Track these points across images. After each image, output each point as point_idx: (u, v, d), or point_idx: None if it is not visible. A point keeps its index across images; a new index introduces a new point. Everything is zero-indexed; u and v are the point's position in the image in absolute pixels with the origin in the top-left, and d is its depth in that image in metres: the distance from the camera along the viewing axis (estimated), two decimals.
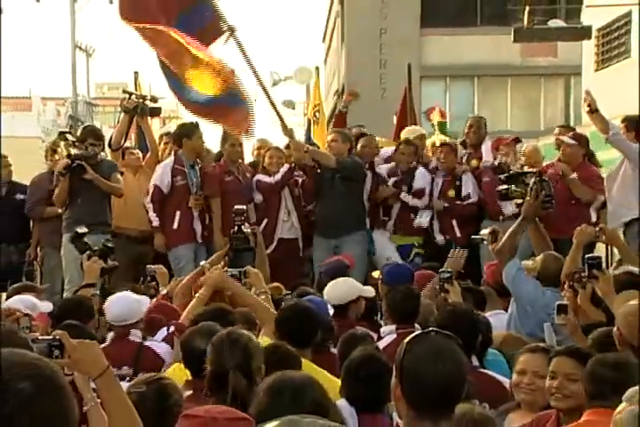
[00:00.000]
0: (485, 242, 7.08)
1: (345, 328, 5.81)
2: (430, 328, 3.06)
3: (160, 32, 8.52)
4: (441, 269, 6.94)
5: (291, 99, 35.91)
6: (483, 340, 5.12)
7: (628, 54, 20.16)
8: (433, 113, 11.94)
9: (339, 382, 4.57)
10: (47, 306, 6.64)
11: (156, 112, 10.25)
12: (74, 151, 9.11)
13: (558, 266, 6.56)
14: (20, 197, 10.04)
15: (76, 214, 9.04)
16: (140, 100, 9.87)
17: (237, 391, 4.02)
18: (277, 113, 9.43)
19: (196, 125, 9.61)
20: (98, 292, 7.19)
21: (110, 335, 5.99)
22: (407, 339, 2.93)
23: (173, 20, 8.66)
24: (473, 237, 7.82)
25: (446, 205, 9.73)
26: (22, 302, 6.38)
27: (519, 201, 7.48)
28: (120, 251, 9.39)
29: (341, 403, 4.27)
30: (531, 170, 7.50)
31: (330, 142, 9.72)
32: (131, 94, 10.12)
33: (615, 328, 4.75)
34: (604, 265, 6.46)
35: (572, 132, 9.89)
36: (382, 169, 9.92)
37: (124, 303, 6.00)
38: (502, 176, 8.06)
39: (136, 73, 12.13)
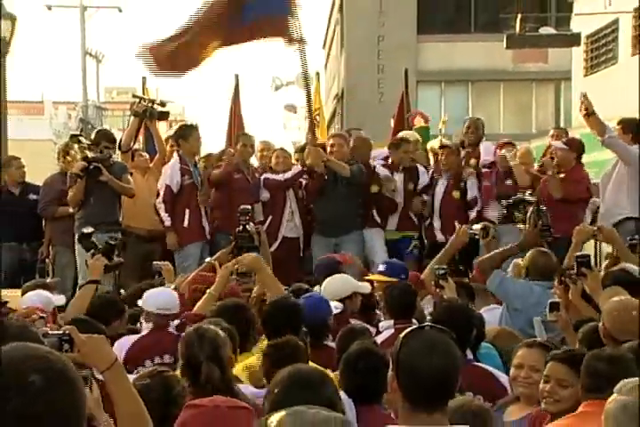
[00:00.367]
0: (477, 237, 7.07)
1: (342, 323, 5.81)
2: (426, 323, 3.05)
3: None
4: (436, 266, 6.93)
5: (293, 103, 36.01)
6: (476, 334, 5.12)
7: (616, 60, 20.19)
8: (416, 118, 11.75)
9: (333, 375, 4.56)
10: (60, 299, 6.68)
11: (163, 116, 10.28)
12: (90, 154, 9.10)
13: (546, 260, 6.55)
14: (33, 197, 10.04)
15: (89, 214, 9.04)
16: (149, 105, 9.90)
17: (210, 381, 4.12)
18: (312, 125, 9.79)
19: (194, 127, 9.65)
20: (111, 288, 7.20)
21: (148, 326, 6.01)
22: (403, 333, 2.93)
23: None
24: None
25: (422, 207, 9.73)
26: (38, 296, 6.43)
27: (521, 226, 7.41)
28: (129, 249, 9.43)
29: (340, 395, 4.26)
30: (530, 198, 7.43)
31: (332, 147, 9.68)
32: (140, 99, 10.14)
33: (600, 323, 4.74)
34: (592, 263, 6.46)
35: (565, 138, 9.87)
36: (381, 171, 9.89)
37: (168, 294, 6.17)
38: (504, 202, 8.01)
39: (144, 78, 12.13)
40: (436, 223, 9.77)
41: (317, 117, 12.73)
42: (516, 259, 6.91)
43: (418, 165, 10.00)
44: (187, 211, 9.33)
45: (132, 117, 10.09)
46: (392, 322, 6.00)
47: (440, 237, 9.65)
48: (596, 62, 21.27)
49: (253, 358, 5.13)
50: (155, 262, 7.85)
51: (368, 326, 5.94)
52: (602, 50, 21.01)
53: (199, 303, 6.26)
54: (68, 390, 1.90)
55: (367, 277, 7.10)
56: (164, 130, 10.99)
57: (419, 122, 11.65)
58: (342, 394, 4.34)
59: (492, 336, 5.63)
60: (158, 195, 9.39)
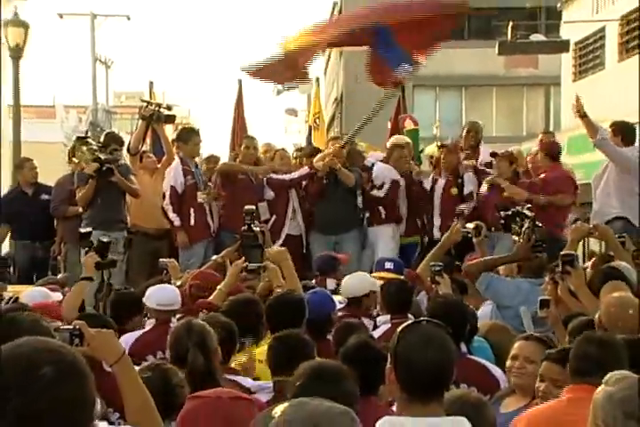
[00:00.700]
0: (470, 235, 7.06)
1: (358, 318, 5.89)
2: (422, 318, 3.05)
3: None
4: (432, 263, 6.91)
5: (293, 107, 35.97)
6: (470, 328, 5.12)
7: (603, 66, 20.21)
8: (406, 121, 11.67)
9: None
10: (58, 296, 6.69)
11: (170, 119, 10.27)
12: (103, 156, 9.10)
13: (538, 258, 6.59)
14: (45, 197, 10.05)
15: (96, 214, 9.04)
16: (156, 109, 9.89)
17: (195, 368, 4.11)
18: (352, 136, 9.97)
19: (194, 131, 9.69)
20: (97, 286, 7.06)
21: (151, 322, 5.97)
22: (401, 327, 2.93)
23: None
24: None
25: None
26: (38, 293, 6.50)
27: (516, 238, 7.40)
28: (137, 247, 9.44)
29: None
30: (527, 213, 7.42)
31: (334, 156, 9.62)
32: (148, 103, 10.15)
33: (597, 316, 4.73)
34: (579, 261, 6.48)
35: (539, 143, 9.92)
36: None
37: (170, 290, 6.16)
38: (502, 213, 8.00)
39: (151, 82, 12.14)
40: (436, 221, 9.73)
41: (317, 121, 12.75)
42: None
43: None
44: (192, 210, 9.33)
45: (140, 121, 10.10)
46: (389, 317, 6.01)
47: (437, 235, 9.63)
48: (584, 68, 21.28)
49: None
50: (161, 260, 7.84)
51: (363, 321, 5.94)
52: (590, 56, 21.03)
53: (210, 300, 6.23)
54: (78, 382, 1.91)
55: (374, 275, 7.08)
56: (170, 132, 10.98)
57: (409, 124, 11.59)
58: None
59: (484, 330, 5.63)
60: (164, 196, 9.40)
